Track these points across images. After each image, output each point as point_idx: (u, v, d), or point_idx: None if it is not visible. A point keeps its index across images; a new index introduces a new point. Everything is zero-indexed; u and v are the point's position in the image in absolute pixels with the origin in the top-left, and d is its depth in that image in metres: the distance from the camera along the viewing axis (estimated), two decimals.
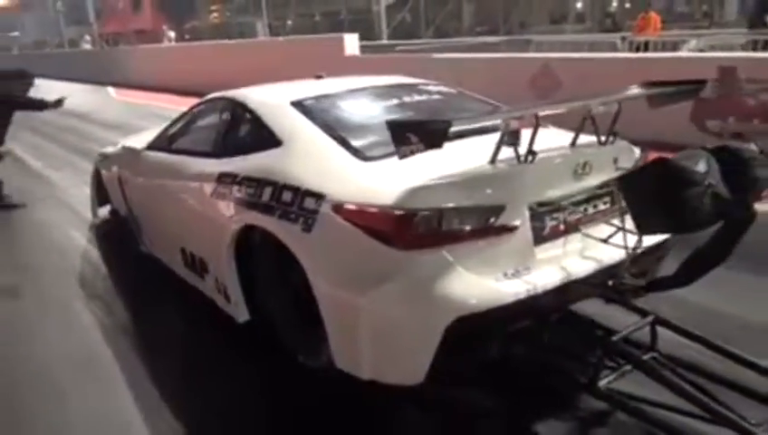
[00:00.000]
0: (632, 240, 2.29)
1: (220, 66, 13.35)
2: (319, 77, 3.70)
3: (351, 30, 12.90)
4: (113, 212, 4.83)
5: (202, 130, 3.66)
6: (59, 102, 5.95)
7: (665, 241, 2.49)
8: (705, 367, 2.35)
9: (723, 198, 2.00)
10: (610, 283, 2.43)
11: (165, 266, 3.85)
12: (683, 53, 9.64)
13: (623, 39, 11.19)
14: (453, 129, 2.10)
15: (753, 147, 2.16)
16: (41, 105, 5.92)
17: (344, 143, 2.64)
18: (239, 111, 3.27)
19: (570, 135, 2.56)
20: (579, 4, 32.31)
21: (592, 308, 2.78)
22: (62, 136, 10.12)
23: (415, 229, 2.17)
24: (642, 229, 2.16)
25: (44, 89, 6.94)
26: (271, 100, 3.23)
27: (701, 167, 2.00)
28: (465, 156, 2.38)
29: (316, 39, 13.72)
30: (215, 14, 41.89)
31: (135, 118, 11.25)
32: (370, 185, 2.35)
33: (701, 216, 1.99)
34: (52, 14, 41.74)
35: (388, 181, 2.31)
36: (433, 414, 2.50)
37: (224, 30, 32.41)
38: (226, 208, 2.92)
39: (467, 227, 2.21)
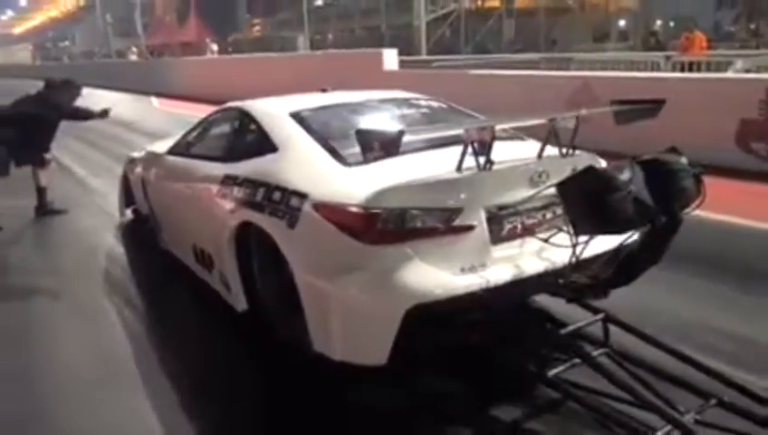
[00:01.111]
0: (581, 242, 2.46)
1: (259, 78, 13.59)
2: (324, 91, 4.09)
3: (392, 45, 12.95)
4: (135, 211, 5.30)
5: (214, 136, 4.08)
6: (104, 113, 6.07)
7: (619, 247, 2.64)
8: (650, 361, 2.62)
9: (645, 204, 2.23)
10: (561, 281, 2.67)
11: (180, 262, 4.14)
12: (729, 74, 9.40)
13: (667, 58, 10.96)
14: (414, 137, 2.70)
15: (683, 160, 2.39)
16: (86, 115, 6.04)
17: (331, 150, 2.97)
18: (245, 119, 3.64)
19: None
20: (621, 22, 31.94)
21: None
22: (104, 144, 10.36)
23: (380, 226, 2.48)
24: (577, 230, 2.36)
25: (91, 98, 7.13)
26: (272, 110, 3.57)
27: (625, 175, 2.22)
28: (438, 164, 2.67)
29: (355, 54, 13.89)
30: (257, 28, 42.77)
31: (175, 126, 11.41)
32: (347, 187, 2.66)
33: (624, 219, 2.21)
34: (101, 25, 43.14)
35: (362, 184, 2.61)
36: (395, 393, 2.74)
37: (265, 43, 32.98)
38: (228, 207, 3.26)
39: (428, 226, 2.50)
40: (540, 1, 29.94)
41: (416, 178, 2.59)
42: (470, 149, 2.52)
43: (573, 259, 2.48)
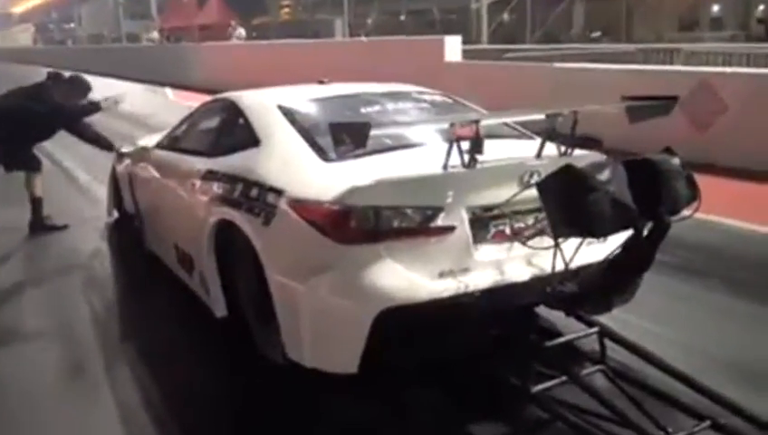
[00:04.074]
0: (566, 247, 2.56)
1: (291, 69, 13.14)
2: (321, 82, 4.26)
3: (443, 32, 12.46)
4: (121, 210, 5.54)
5: (202, 129, 4.26)
6: (116, 102, 5.84)
7: (609, 257, 2.67)
8: (645, 378, 2.76)
9: (626, 207, 2.33)
10: (548, 290, 2.74)
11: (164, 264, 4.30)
12: None
13: None
14: (403, 133, 3.15)
15: (674, 161, 2.48)
16: (93, 138, 5.70)
17: (314, 145, 3.09)
18: (232, 112, 3.80)
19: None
20: (715, 8, 30.86)
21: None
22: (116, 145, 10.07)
23: (352, 224, 2.59)
24: (556, 233, 2.46)
25: (99, 87, 6.81)
26: (261, 102, 3.73)
27: (604, 175, 2.32)
28: (426, 161, 2.78)
29: (410, 41, 13.42)
30: (286, 10, 42.75)
31: None
32: (324, 183, 2.77)
33: (602, 221, 2.30)
34: (110, 5, 43.76)
35: (339, 180, 2.72)
36: (369, 405, 2.87)
37: (297, 28, 32.79)
38: (208, 204, 3.43)
39: (404, 226, 2.61)
40: None
41: (394, 175, 2.69)
42: (474, 146, 2.65)
43: (555, 265, 2.56)
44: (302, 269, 2.69)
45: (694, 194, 2.50)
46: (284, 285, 2.75)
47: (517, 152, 2.98)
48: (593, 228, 2.36)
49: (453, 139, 2.63)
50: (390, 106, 3.70)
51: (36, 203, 5.70)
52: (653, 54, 12.49)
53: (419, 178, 2.70)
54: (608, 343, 2.93)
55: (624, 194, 2.33)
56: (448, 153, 2.66)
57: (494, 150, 2.77)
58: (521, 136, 3.44)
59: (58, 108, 5.47)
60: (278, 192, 2.87)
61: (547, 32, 26.74)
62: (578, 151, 2.96)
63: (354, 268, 2.58)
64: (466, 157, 2.67)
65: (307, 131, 3.22)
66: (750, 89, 7.03)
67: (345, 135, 2.53)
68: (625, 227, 2.43)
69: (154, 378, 3.24)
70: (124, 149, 5.35)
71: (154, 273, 4.55)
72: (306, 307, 2.68)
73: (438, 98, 4.01)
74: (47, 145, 6.19)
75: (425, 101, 3.92)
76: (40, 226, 5.68)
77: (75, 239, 5.56)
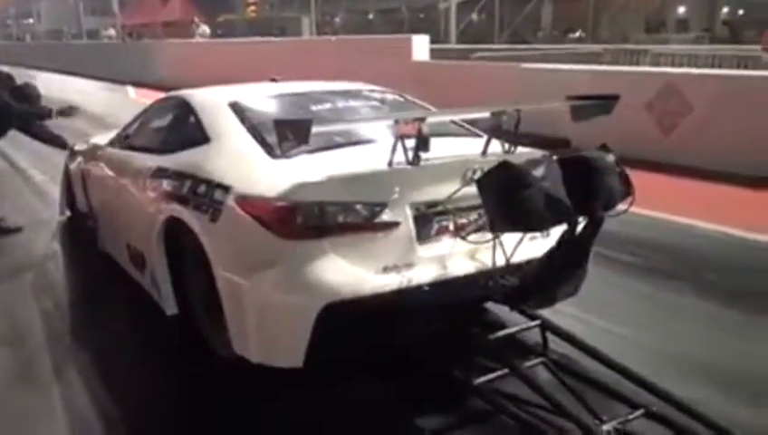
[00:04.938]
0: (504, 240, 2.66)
1: (257, 68, 13.02)
2: (273, 80, 4.37)
3: (413, 31, 12.42)
4: (72, 208, 5.56)
5: (153, 126, 4.26)
6: (70, 110, 5.67)
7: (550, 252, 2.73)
8: (586, 370, 2.87)
9: (560, 202, 2.39)
10: (490, 284, 2.82)
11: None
12: None
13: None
14: (352, 129, 3.22)
15: (609, 157, 2.54)
16: (40, 116, 5.53)
17: (262, 142, 3.13)
18: (183, 109, 3.81)
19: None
20: (681, 9, 31.38)
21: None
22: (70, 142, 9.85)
23: (296, 220, 2.64)
24: (493, 228, 2.55)
25: (56, 85, 6.64)
26: (211, 99, 3.75)
27: (538, 171, 2.37)
28: (374, 157, 2.85)
29: (377, 40, 13.36)
30: (252, 8, 42.41)
31: None
32: (271, 180, 2.80)
33: (537, 216, 2.37)
34: (71, 1, 42.93)
35: (286, 177, 2.77)
36: (316, 398, 2.94)
37: (263, 25, 32.48)
38: (157, 201, 3.47)
39: (348, 221, 2.67)
40: None
41: (340, 171, 2.75)
42: (419, 144, 2.76)
43: (495, 260, 2.65)
44: (248, 265, 2.73)
45: (628, 190, 2.57)
46: (230, 281, 2.79)
47: (463, 150, 3.06)
48: (528, 223, 2.44)
49: (397, 136, 2.72)
50: (341, 104, 3.79)
51: None
52: (621, 55, 12.63)
53: (363, 174, 2.76)
54: (549, 335, 3.06)
55: (558, 190, 2.39)
56: (393, 150, 2.76)
57: (441, 148, 2.88)
58: (468, 134, 3.53)
59: (7, 106, 5.31)
60: (225, 188, 2.90)
61: (515, 32, 26.93)
62: (521, 149, 3.07)
63: (298, 264, 2.63)
64: (410, 154, 2.76)
65: (256, 129, 3.24)
66: (713, 90, 7.09)
67: (288, 132, 2.57)
68: (560, 222, 2.49)
69: (103, 375, 3.25)
70: (77, 147, 5.33)
71: (106, 272, 4.47)
72: (251, 303, 2.71)
73: (389, 96, 4.09)
74: (0, 144, 6.01)
75: (375, 98, 3.99)
76: None
77: (29, 240, 5.42)
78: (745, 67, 10.13)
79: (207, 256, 2.91)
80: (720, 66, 10.33)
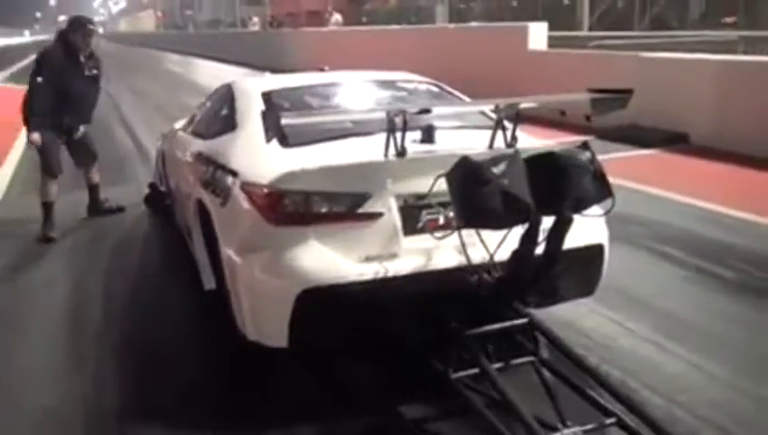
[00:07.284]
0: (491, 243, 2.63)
1: (375, 56, 13.08)
2: (321, 70, 4.63)
3: (548, 17, 11.95)
4: (152, 186, 6.01)
5: (207, 113, 4.52)
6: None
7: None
8: (570, 372, 2.72)
9: (518, 201, 2.34)
10: (472, 279, 2.81)
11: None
12: None
13: None
14: (361, 120, 3.24)
15: (584, 156, 2.47)
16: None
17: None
18: (227, 97, 4.04)
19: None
20: None
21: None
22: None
23: (284, 207, 2.78)
24: (459, 222, 2.51)
25: (196, 71, 6.96)
26: (248, 89, 3.95)
27: (498, 168, 2.33)
28: (373, 148, 2.90)
29: (494, 28, 13.08)
30: None
31: None
32: (274, 168, 2.91)
33: (494, 214, 2.34)
34: None
35: (285, 165, 2.88)
36: (304, 381, 3.09)
37: (401, 14, 32.57)
38: (194, 183, 3.75)
39: (333, 211, 2.78)
40: None
41: (332, 162, 2.84)
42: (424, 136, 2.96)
43: (468, 255, 2.64)
44: (244, 246, 2.90)
45: (605, 191, 2.51)
46: (231, 262, 2.96)
47: (471, 143, 3.04)
48: (484, 220, 2.42)
49: (388, 128, 2.79)
50: (366, 93, 4.00)
51: (93, 189, 5.86)
52: (758, 44, 11.43)
53: (350, 165, 2.84)
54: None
55: (519, 187, 2.35)
56: (387, 142, 2.82)
57: (447, 140, 3.03)
58: (478, 126, 3.45)
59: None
60: (234, 174, 3.10)
61: (658, 17, 25.14)
62: (531, 142, 3.10)
63: (282, 249, 2.76)
64: (399, 146, 2.83)
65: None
66: None
67: (270, 123, 2.83)
68: (520, 221, 2.47)
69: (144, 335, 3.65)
70: (166, 131, 5.75)
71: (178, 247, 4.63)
72: (243, 283, 2.88)
73: (423, 86, 4.16)
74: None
75: (406, 89, 4.08)
76: (99, 208, 5.86)
77: (130, 220, 5.78)
78: None
79: (217, 237, 3.14)
80: None
